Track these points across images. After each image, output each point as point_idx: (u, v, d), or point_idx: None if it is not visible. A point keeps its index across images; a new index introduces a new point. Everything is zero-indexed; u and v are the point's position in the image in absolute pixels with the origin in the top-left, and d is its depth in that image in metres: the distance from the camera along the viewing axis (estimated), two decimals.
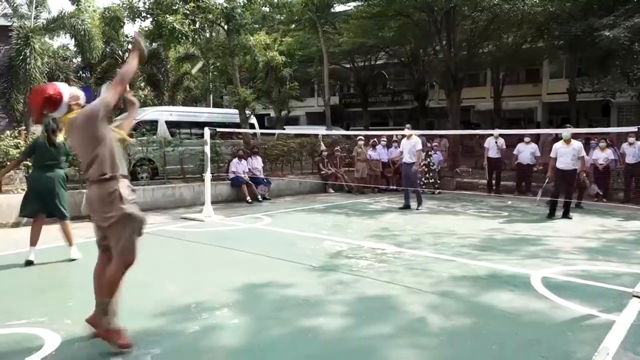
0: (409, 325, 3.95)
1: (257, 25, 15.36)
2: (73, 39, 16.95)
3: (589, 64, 18.34)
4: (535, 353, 3.46)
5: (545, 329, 3.89)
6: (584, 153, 9.65)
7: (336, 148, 14.70)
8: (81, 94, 3.58)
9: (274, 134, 16.28)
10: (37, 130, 16.35)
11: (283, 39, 18.60)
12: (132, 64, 3.50)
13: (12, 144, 8.93)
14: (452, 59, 18.02)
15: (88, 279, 3.30)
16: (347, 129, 28.23)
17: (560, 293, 4.74)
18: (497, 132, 12.84)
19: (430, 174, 13.63)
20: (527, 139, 12.86)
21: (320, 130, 18.31)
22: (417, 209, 10.52)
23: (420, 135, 11.48)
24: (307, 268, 5.67)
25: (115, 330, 3.39)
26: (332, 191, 13.90)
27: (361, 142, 14.03)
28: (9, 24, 15.05)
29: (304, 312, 4.22)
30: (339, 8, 21.85)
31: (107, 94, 3.40)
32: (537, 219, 9.47)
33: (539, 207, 10.61)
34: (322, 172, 14.20)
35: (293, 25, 23.13)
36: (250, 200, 11.60)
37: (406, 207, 10.69)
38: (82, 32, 16.23)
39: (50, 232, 6.27)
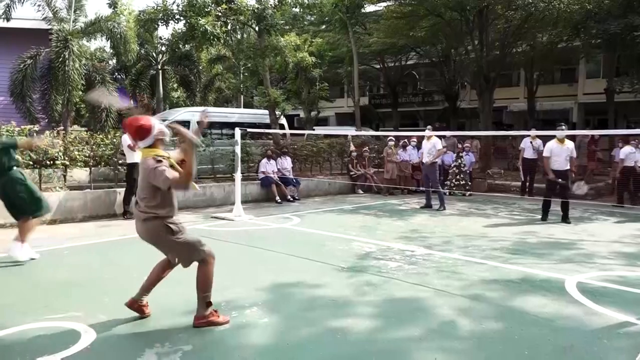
0: (438, 328, 3.91)
1: (287, 26, 15.46)
2: (109, 42, 17.40)
3: (628, 63, 17.81)
4: (569, 359, 3.37)
5: (580, 335, 3.79)
6: (575, 153, 9.38)
7: (365, 149, 14.66)
8: (166, 131, 3.69)
9: (303, 135, 16.35)
10: (74, 129, 16.84)
11: (313, 40, 18.66)
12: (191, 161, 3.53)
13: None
14: (484, 59, 17.71)
15: (122, 276, 3.40)
16: (377, 130, 28.12)
17: (596, 299, 4.60)
18: (533, 132, 12.53)
19: (461, 176, 13.43)
20: None
21: (350, 131, 18.30)
22: (439, 209, 10.56)
23: (451, 137, 11.38)
24: (335, 269, 5.67)
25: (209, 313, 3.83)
26: (361, 192, 13.86)
27: (391, 143, 13.94)
28: (49, 27, 15.53)
29: (333, 312, 4.22)
30: (369, 8, 21.78)
31: (169, 172, 3.50)
32: (572, 222, 9.21)
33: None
34: (352, 173, 14.18)
35: (323, 26, 23.22)
36: (279, 200, 11.67)
37: (427, 206, 10.84)
38: (119, 35, 16.63)
39: (84, 229, 6.44)
